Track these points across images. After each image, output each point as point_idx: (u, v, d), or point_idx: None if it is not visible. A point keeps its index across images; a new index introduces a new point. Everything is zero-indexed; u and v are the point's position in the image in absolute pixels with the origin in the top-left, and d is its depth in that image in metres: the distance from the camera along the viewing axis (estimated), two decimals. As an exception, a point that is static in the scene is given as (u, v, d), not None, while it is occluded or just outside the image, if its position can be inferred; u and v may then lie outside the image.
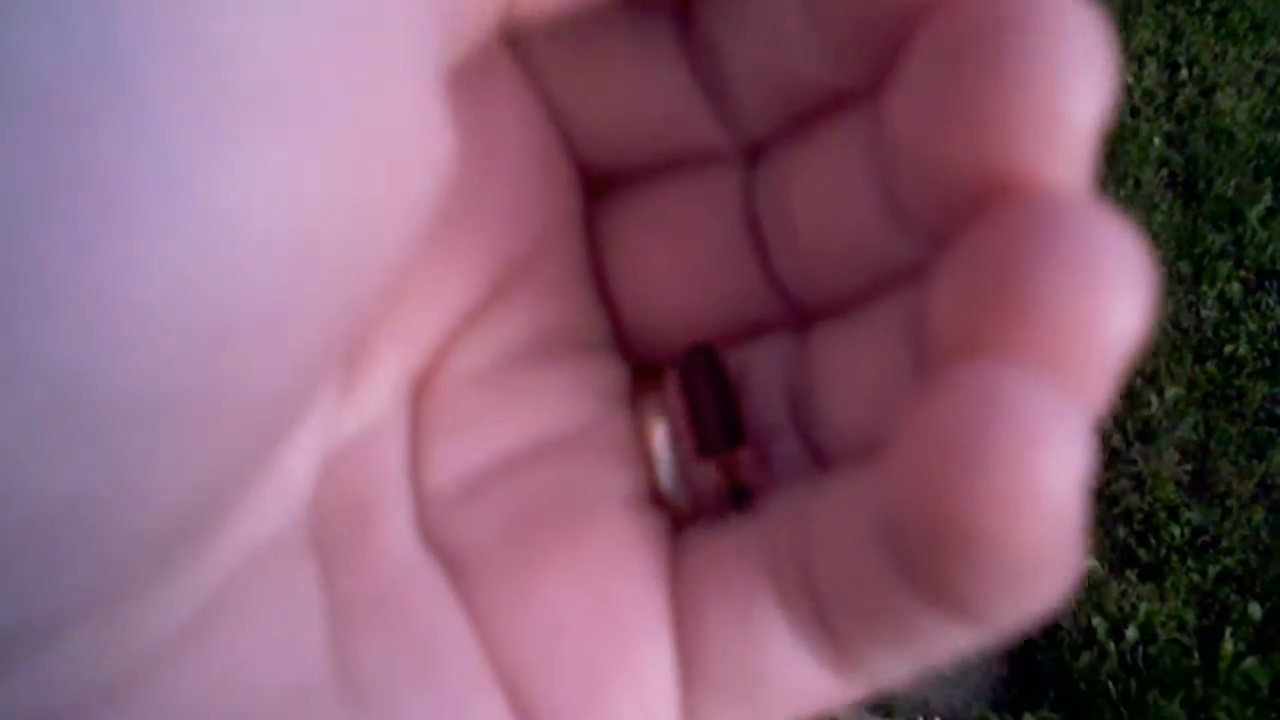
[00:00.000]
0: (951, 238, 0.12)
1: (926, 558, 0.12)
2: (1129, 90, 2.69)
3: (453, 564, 0.14)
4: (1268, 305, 2.29)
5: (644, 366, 0.17)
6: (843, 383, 0.15)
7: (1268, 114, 2.74)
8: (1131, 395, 2.07)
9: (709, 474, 0.16)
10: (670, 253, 0.16)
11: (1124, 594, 1.79)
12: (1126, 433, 2.02)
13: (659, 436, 0.16)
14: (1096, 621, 1.74)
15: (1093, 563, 1.82)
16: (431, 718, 0.13)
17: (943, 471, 0.11)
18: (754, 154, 0.16)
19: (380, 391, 0.14)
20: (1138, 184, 2.46)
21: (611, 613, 0.14)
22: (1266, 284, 2.34)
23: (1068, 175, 0.11)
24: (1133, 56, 2.82)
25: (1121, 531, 1.88)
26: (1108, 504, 1.92)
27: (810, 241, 0.15)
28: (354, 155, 0.10)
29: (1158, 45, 2.89)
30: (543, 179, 0.16)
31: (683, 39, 0.15)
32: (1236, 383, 2.14)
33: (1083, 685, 1.69)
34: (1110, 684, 1.68)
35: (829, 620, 0.14)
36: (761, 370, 0.16)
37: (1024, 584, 0.11)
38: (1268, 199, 2.49)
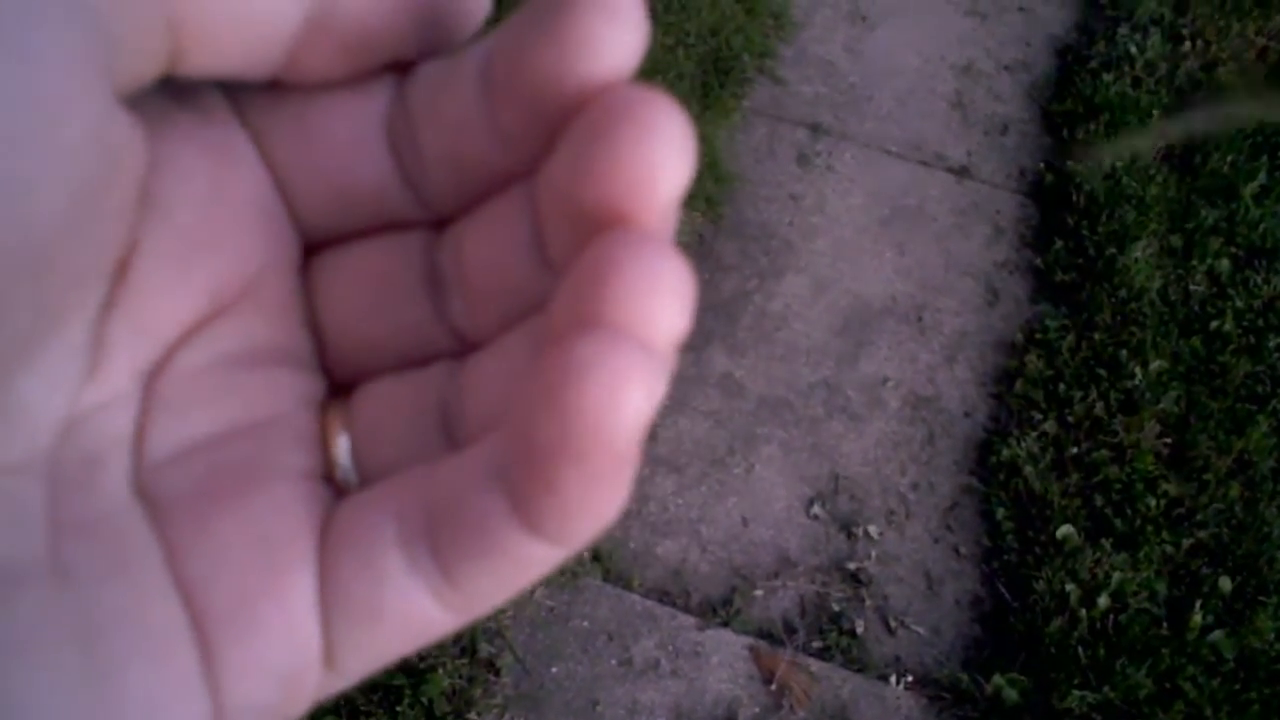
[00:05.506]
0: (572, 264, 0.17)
1: (528, 484, 0.16)
2: (1131, 60, 2.68)
3: (155, 508, 0.19)
4: (1256, 283, 2.30)
5: (340, 384, 0.23)
6: (484, 387, 0.20)
7: (1268, 91, 2.73)
8: (1115, 366, 2.09)
9: None
10: (366, 296, 0.22)
11: (1098, 562, 1.81)
12: (1109, 403, 2.03)
13: (342, 444, 0.21)
14: (1069, 588, 1.77)
15: (1069, 530, 1.84)
16: (122, 605, 0.18)
17: (543, 407, 0.16)
18: (439, 221, 0.22)
19: (119, 376, 0.19)
20: (1134, 155, 2.45)
21: (268, 549, 0.19)
22: (1256, 261, 2.34)
23: (659, 216, 0.17)
24: (1137, 26, 2.80)
25: (1099, 500, 1.90)
26: (1086, 473, 1.94)
27: (477, 283, 0.21)
28: (13, 125, 0.14)
29: (1162, 16, 2.87)
30: (263, 227, 0.21)
31: (390, 119, 0.21)
32: (1220, 358, 2.15)
33: (1053, 650, 1.72)
34: (1080, 650, 1.71)
35: (442, 558, 0.18)
36: (426, 389, 0.21)
37: (588, 505, 0.16)
38: (1263, 177, 2.49)
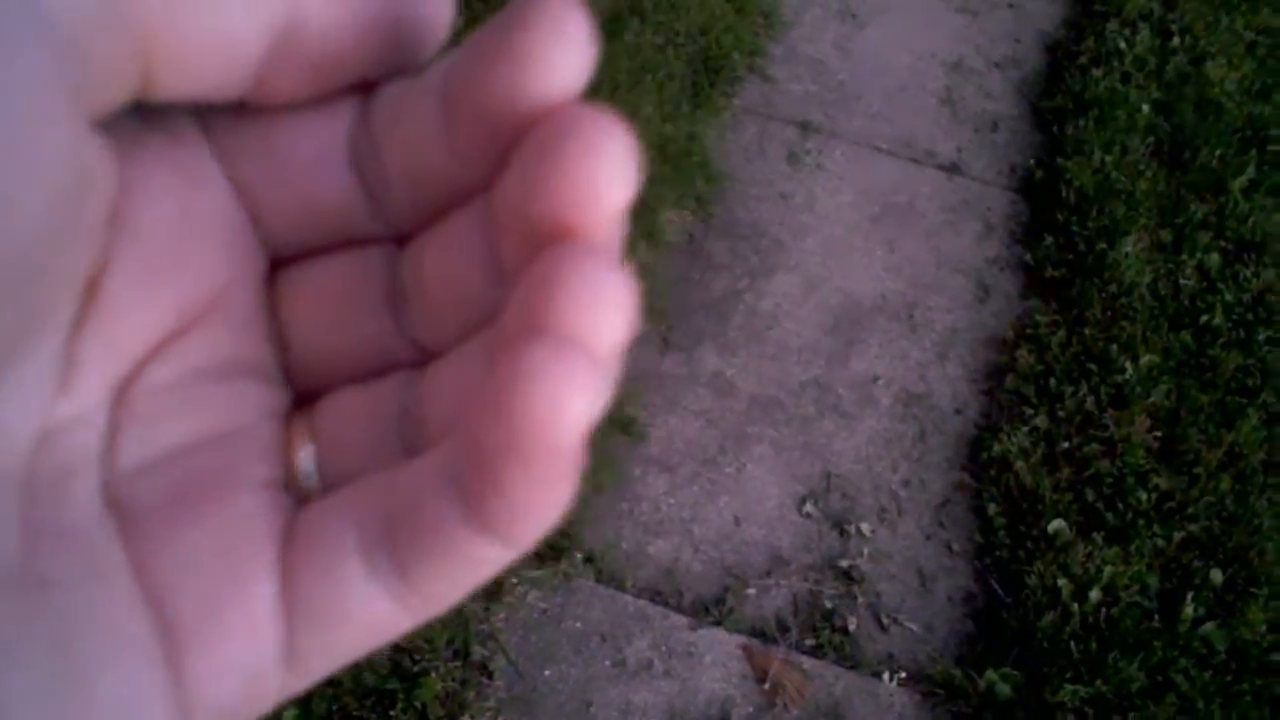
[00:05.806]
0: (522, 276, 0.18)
1: (479, 486, 0.17)
2: (1120, 56, 2.69)
3: (126, 517, 0.20)
4: (1245, 277, 2.30)
5: (304, 395, 0.23)
6: (442, 395, 0.21)
7: (1256, 85, 2.74)
8: (1106, 360, 2.09)
9: None
10: (330, 311, 0.23)
11: (1089, 556, 1.81)
12: (1099, 398, 2.04)
13: (305, 453, 0.22)
14: (1061, 582, 1.77)
15: (1060, 524, 1.84)
16: (94, 611, 0.19)
17: (494, 413, 0.17)
18: (401, 236, 0.23)
19: (90, 390, 0.20)
20: (1124, 150, 2.46)
21: (232, 557, 0.20)
22: (1245, 255, 2.35)
23: (604, 229, 0.18)
24: (1126, 22, 2.81)
25: (1090, 495, 1.91)
26: (1077, 467, 1.95)
27: (436, 295, 0.22)
28: None
29: (1151, 11, 2.88)
30: (230, 244, 0.22)
31: (353, 138, 0.21)
32: (1210, 352, 2.16)
33: (1045, 644, 1.73)
34: (1072, 644, 1.72)
35: (400, 561, 0.19)
36: (387, 399, 0.22)
37: (534, 506, 0.17)
38: (1251, 171, 2.50)
